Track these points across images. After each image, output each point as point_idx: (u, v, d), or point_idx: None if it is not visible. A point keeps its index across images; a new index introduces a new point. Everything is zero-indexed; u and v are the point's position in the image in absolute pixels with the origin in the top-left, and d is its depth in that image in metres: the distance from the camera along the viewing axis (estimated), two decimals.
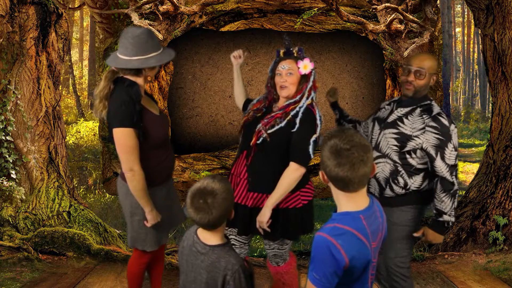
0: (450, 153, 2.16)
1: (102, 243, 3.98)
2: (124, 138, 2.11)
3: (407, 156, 2.22)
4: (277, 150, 2.22)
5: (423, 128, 2.19)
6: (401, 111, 2.30)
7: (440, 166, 2.16)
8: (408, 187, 2.25)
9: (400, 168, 2.24)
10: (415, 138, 2.20)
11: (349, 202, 1.39)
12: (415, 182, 2.25)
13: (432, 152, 2.17)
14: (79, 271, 3.44)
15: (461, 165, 10.71)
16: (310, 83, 2.28)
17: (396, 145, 2.24)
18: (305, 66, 2.25)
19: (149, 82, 2.28)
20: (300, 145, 2.17)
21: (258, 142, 2.22)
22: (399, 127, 2.25)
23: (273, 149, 2.22)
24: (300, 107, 2.23)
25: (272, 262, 2.45)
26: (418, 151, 2.20)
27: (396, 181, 2.25)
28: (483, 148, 9.53)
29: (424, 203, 2.29)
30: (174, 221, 2.51)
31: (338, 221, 1.37)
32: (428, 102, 2.28)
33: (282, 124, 2.20)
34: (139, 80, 2.20)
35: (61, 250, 3.68)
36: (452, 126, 2.20)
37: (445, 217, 2.19)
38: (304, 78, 2.28)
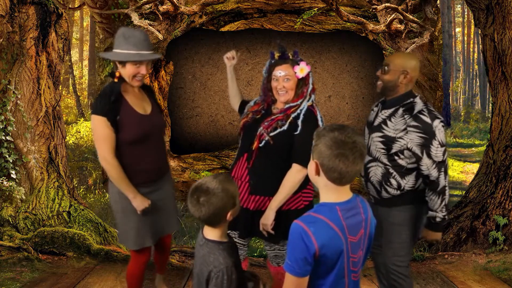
0: (436, 150, 2.14)
1: (102, 243, 3.98)
2: (95, 125, 2.20)
3: (396, 157, 2.22)
4: (279, 152, 2.21)
5: (405, 128, 2.18)
6: (385, 113, 2.30)
7: (427, 164, 2.15)
8: (402, 187, 2.24)
9: (391, 170, 2.24)
10: (399, 140, 2.19)
11: (333, 194, 1.43)
12: (409, 182, 2.24)
13: (418, 151, 2.16)
14: (79, 271, 3.44)
15: (461, 165, 10.71)
16: (310, 86, 2.28)
17: (383, 148, 2.24)
18: (302, 69, 2.24)
19: (139, 78, 2.30)
20: (303, 147, 2.15)
21: (260, 145, 2.21)
22: (384, 130, 2.25)
23: (275, 151, 2.21)
24: (301, 109, 2.23)
25: (273, 263, 2.45)
26: (406, 152, 2.19)
27: (389, 183, 2.25)
28: (483, 148, 9.54)
29: (421, 202, 2.29)
30: (161, 227, 2.46)
31: (314, 210, 1.42)
32: (411, 100, 2.25)
33: (285, 127, 2.20)
34: (126, 76, 2.26)
35: (61, 250, 3.68)
36: (436, 122, 2.15)
37: (431, 213, 2.20)
38: (302, 81, 2.26)
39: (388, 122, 2.25)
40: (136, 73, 2.23)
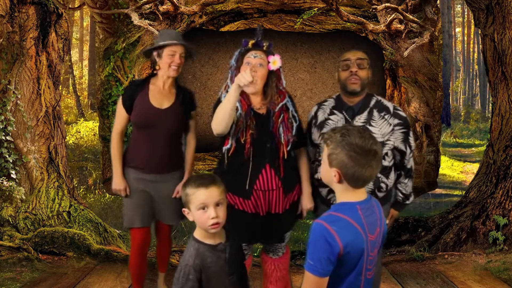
0: (411, 140, 2.22)
1: (102, 243, 3.97)
2: (117, 103, 2.60)
3: (382, 161, 2.19)
4: (292, 146, 2.29)
5: (392, 130, 2.17)
6: (359, 119, 2.20)
7: (408, 156, 2.22)
8: (389, 188, 2.25)
9: (379, 175, 2.21)
10: (387, 143, 2.17)
11: (350, 195, 1.43)
12: (391, 179, 2.25)
13: (402, 147, 2.19)
14: (79, 271, 3.44)
15: (461, 165, 10.70)
16: (284, 81, 2.30)
17: None
18: (275, 61, 2.20)
19: (174, 67, 2.53)
20: (303, 132, 2.35)
21: (288, 149, 2.24)
22: None
23: (292, 147, 2.28)
24: (287, 101, 2.29)
25: (274, 255, 2.46)
26: (389, 152, 2.20)
27: (381, 189, 2.22)
28: (483, 148, 9.53)
29: (393, 195, 2.35)
30: (154, 215, 2.66)
31: (335, 210, 1.42)
32: (376, 98, 2.26)
33: (295, 123, 2.28)
34: (163, 66, 2.51)
35: (61, 250, 3.68)
36: (405, 113, 2.27)
37: (411, 199, 2.31)
38: (275, 75, 2.23)
39: (371, 128, 2.17)
40: (170, 61, 2.47)
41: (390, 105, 2.23)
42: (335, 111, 2.26)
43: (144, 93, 2.55)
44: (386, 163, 2.20)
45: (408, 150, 2.21)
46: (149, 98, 2.54)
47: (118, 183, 2.56)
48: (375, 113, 2.19)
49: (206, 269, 1.63)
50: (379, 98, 2.27)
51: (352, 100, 2.23)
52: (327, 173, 1.43)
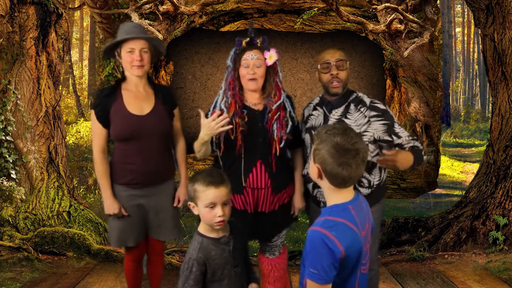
0: (399, 129, 2.21)
1: (102, 243, 3.98)
2: (90, 119, 2.31)
3: (365, 162, 2.21)
4: (286, 145, 2.28)
5: (368, 121, 2.20)
6: (336, 113, 2.27)
7: (403, 138, 2.18)
8: (372, 184, 2.25)
9: None
10: (365, 134, 2.20)
11: (339, 196, 1.43)
12: (376, 176, 2.25)
13: (387, 137, 2.18)
14: (79, 271, 3.44)
15: (461, 165, 10.70)
16: (280, 74, 2.30)
17: None
18: (271, 56, 2.23)
19: (136, 64, 2.24)
20: (300, 133, 2.34)
21: (281, 146, 2.23)
22: None
23: (286, 146, 2.28)
24: (284, 99, 2.29)
25: (271, 255, 2.47)
26: (369, 145, 2.20)
27: (362, 183, 2.23)
28: (483, 148, 9.53)
29: (384, 195, 2.35)
30: (148, 232, 2.42)
31: (328, 214, 1.40)
32: (356, 94, 2.30)
33: (291, 123, 2.27)
34: (125, 66, 2.27)
35: (61, 250, 3.68)
36: (388, 107, 2.28)
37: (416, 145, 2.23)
38: (272, 69, 2.25)
39: (347, 120, 2.23)
40: (131, 60, 2.21)
41: (367, 99, 2.27)
42: (317, 107, 2.37)
43: (119, 101, 2.26)
44: (368, 157, 2.21)
45: (396, 138, 2.18)
46: (126, 106, 2.26)
47: (111, 207, 2.28)
48: (352, 106, 2.26)
49: (211, 262, 1.67)
50: (360, 94, 2.31)
51: (333, 97, 2.32)
52: (312, 168, 1.45)
